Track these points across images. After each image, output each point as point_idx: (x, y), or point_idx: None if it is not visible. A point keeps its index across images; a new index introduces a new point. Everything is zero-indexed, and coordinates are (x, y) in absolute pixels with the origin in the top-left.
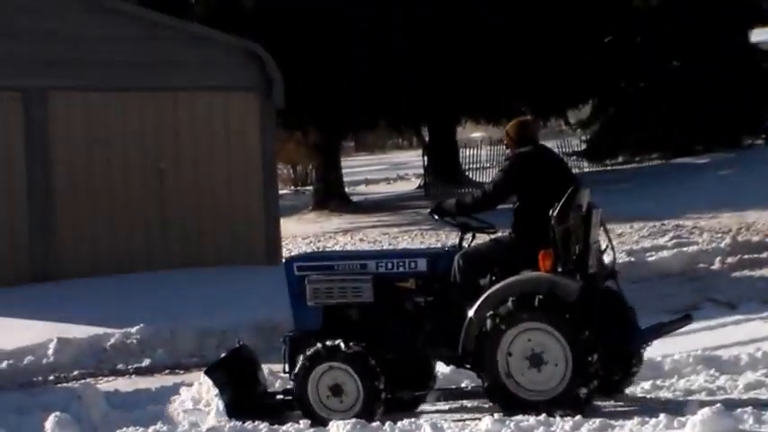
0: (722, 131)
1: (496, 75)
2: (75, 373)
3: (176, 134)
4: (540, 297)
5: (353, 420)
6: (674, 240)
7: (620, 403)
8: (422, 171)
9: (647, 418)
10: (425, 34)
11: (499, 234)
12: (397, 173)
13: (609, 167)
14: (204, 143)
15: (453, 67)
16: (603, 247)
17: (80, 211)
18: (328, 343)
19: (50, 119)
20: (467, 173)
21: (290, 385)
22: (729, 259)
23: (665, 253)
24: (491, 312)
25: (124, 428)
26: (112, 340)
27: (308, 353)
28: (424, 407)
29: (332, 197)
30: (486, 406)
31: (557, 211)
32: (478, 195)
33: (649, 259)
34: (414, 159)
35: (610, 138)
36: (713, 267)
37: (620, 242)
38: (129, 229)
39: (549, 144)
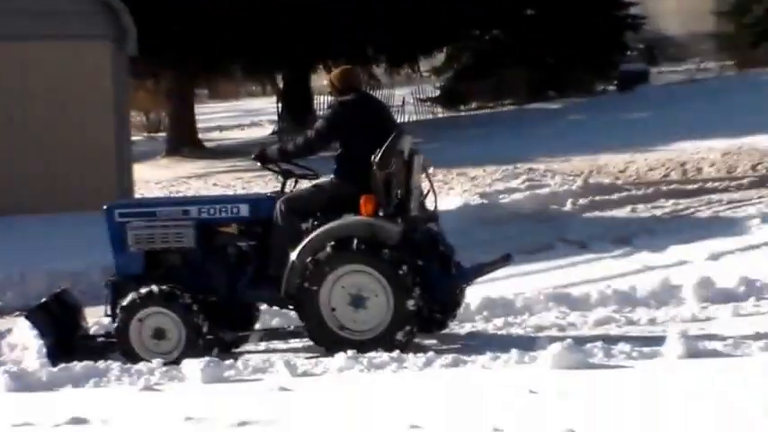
0: (575, 78)
1: (350, 21)
2: None
3: (27, 83)
4: (361, 240)
5: (207, 359)
6: (527, 183)
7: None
8: (275, 118)
9: (498, 354)
10: None
11: (321, 179)
12: (251, 119)
13: (463, 113)
14: (56, 92)
15: (307, 11)
16: (425, 191)
17: None
18: (150, 288)
19: None
20: (320, 116)
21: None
22: (581, 201)
23: (518, 195)
24: (313, 256)
25: None
26: None
27: (130, 298)
28: (276, 344)
29: (185, 143)
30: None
31: (378, 157)
32: (300, 142)
33: (502, 201)
34: (268, 107)
35: (463, 84)
36: (565, 209)
37: (474, 185)
38: None
39: (404, 91)
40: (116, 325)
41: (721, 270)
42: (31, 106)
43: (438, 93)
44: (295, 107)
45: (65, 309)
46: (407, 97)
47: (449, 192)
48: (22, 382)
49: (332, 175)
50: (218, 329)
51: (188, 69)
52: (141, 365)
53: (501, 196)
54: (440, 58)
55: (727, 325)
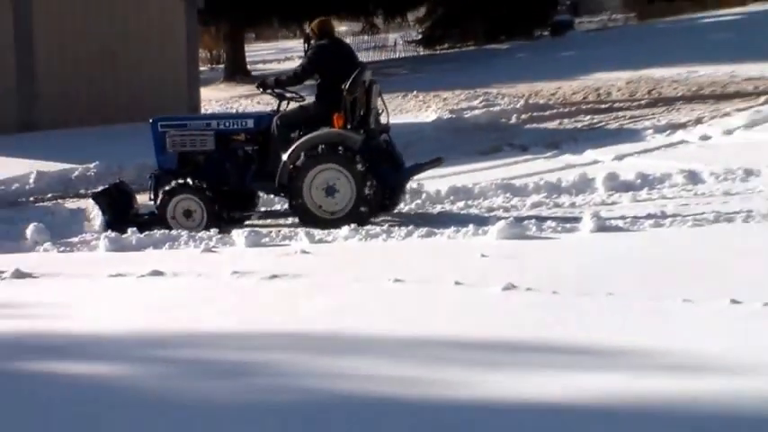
0: (520, 26)
1: None
2: (49, 195)
3: (127, 29)
4: (333, 146)
5: (248, 229)
6: (484, 102)
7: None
8: (303, 54)
9: (460, 228)
10: None
11: (305, 102)
12: (285, 55)
13: (438, 52)
14: (146, 36)
15: None
16: (381, 110)
17: (61, 76)
18: (181, 180)
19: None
20: None
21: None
22: (523, 116)
23: (477, 111)
24: (299, 157)
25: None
26: (77, 173)
27: (167, 187)
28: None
29: (237, 72)
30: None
31: (347, 86)
32: (291, 75)
33: (466, 116)
34: (297, 46)
35: (439, 30)
36: (511, 122)
37: (445, 104)
38: (92, 92)
39: (395, 35)
40: (157, 206)
41: (624, 167)
42: (128, 46)
43: (420, 36)
44: None
45: (121, 194)
46: (398, 40)
47: (426, 109)
48: (118, 245)
49: (313, 99)
50: (230, 210)
51: (239, 19)
52: (203, 233)
53: (465, 112)
54: (422, 10)
55: (627, 208)
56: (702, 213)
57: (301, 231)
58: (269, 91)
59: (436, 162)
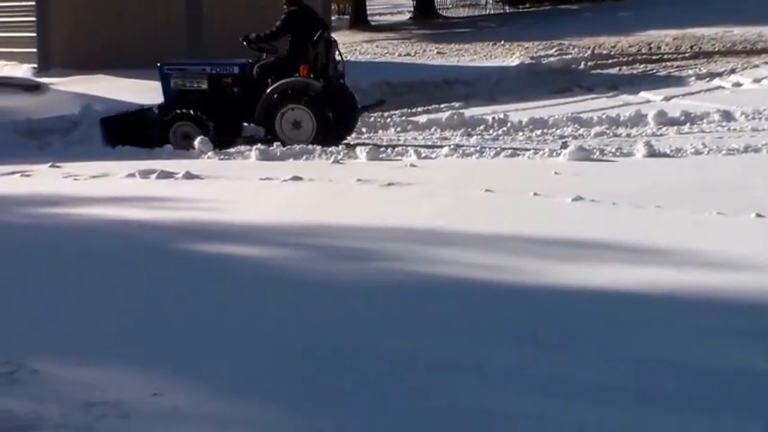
0: None
1: None
2: None
3: None
4: (299, 90)
5: (369, 146)
6: (558, 51)
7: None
8: (411, 9)
9: (538, 150)
10: None
11: (280, 54)
12: (398, 10)
13: (521, 10)
14: None
15: None
16: (339, 61)
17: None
18: (181, 111)
19: None
20: (438, 10)
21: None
22: (589, 63)
23: (552, 59)
24: (273, 97)
25: None
26: None
27: (171, 116)
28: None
29: (359, 22)
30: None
31: (312, 43)
32: (269, 32)
33: (543, 62)
34: (407, 2)
35: None
36: (580, 67)
37: (527, 52)
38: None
39: None
40: (161, 131)
41: (670, 106)
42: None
43: None
44: (423, 3)
45: (138, 118)
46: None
47: (511, 56)
48: (266, 155)
49: (286, 53)
50: (221, 134)
51: None
52: (332, 149)
53: (542, 59)
54: None
55: (672, 139)
56: (734, 145)
57: (411, 149)
58: (251, 44)
59: (380, 104)
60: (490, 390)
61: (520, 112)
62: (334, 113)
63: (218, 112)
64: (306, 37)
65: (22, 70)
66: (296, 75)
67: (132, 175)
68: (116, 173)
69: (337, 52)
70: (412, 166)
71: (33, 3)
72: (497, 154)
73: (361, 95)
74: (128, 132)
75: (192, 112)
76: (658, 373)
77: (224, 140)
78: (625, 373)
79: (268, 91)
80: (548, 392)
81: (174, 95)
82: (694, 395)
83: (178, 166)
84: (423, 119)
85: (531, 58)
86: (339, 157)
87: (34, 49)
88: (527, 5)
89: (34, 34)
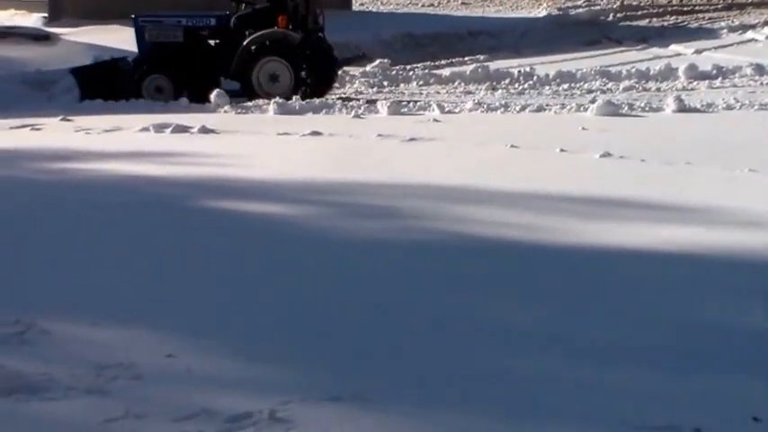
0: None
1: None
2: None
3: None
4: (277, 42)
5: (390, 100)
6: (586, 2)
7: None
8: None
9: (564, 105)
10: None
11: (258, 6)
12: None
13: None
14: None
15: None
16: (318, 13)
17: None
18: (154, 64)
19: None
20: None
21: None
22: (618, 15)
23: (579, 10)
24: (250, 50)
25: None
26: None
27: (144, 68)
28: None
29: None
30: None
31: None
32: None
33: (571, 13)
34: None
35: None
36: (608, 19)
37: (553, 2)
38: None
39: None
40: (133, 84)
41: (702, 60)
42: None
43: None
44: None
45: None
46: None
47: (538, 6)
48: (284, 109)
49: (265, 4)
50: (195, 88)
51: None
52: (353, 103)
53: (570, 10)
54: None
55: (703, 93)
56: (767, 100)
57: (434, 103)
58: None
59: (361, 57)
60: (511, 351)
61: (546, 65)
62: (313, 67)
63: (194, 66)
64: None
65: (33, 20)
66: (275, 27)
67: (146, 129)
68: (129, 127)
69: (317, 7)
70: (435, 120)
71: None
72: (523, 109)
73: (383, 47)
74: (100, 84)
75: (164, 65)
76: (686, 335)
77: (198, 94)
78: (652, 334)
79: (245, 43)
80: (570, 354)
81: (148, 48)
82: (723, 356)
83: (193, 119)
84: (446, 72)
85: (559, 8)
86: (359, 111)
87: None
88: None
89: None
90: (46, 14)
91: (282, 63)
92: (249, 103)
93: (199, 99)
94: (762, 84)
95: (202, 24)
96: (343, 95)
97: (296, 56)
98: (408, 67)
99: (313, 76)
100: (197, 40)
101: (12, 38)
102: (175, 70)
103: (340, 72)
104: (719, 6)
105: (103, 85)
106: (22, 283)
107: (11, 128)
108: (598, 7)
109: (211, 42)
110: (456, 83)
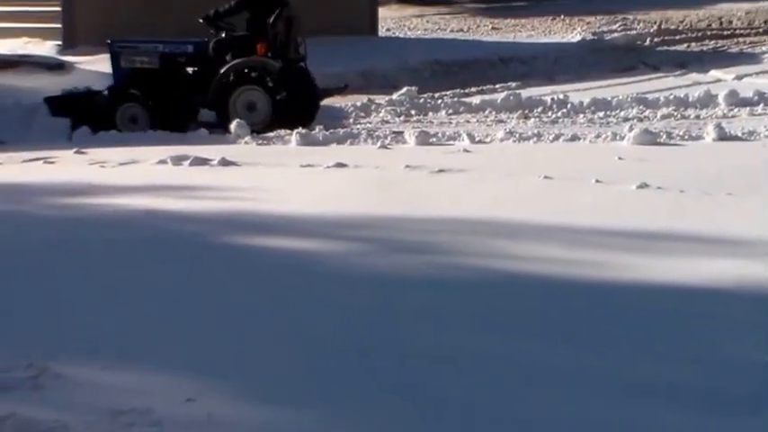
0: None
1: None
2: None
3: None
4: (255, 70)
5: (419, 130)
6: (622, 26)
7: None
8: None
9: (600, 134)
10: None
11: (237, 33)
12: None
13: None
14: None
15: None
16: (300, 42)
17: None
18: (130, 91)
19: None
20: None
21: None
22: (656, 39)
23: (615, 34)
24: (227, 78)
25: None
26: None
27: (119, 95)
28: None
29: None
30: None
31: (271, 20)
32: (227, 8)
33: (606, 38)
34: None
35: None
36: (645, 44)
37: (588, 27)
38: None
39: None
40: (106, 109)
41: (743, 86)
42: None
43: None
44: None
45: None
46: None
47: (572, 31)
48: (307, 140)
49: (244, 31)
50: (170, 119)
51: None
52: (379, 132)
53: (605, 35)
54: None
55: (745, 120)
56: None
57: (464, 133)
58: (210, 24)
59: (343, 89)
60: (548, 394)
61: (581, 92)
62: (294, 97)
63: (171, 94)
64: (264, 13)
65: (46, 48)
66: (253, 54)
67: (163, 161)
68: (146, 159)
69: (299, 34)
70: (464, 151)
71: None
72: (556, 138)
73: (410, 74)
74: (74, 114)
75: (139, 92)
76: (730, 375)
77: (175, 124)
78: (694, 375)
79: (222, 71)
80: (611, 396)
81: (123, 75)
82: (762, 396)
83: (213, 151)
84: (476, 100)
85: (593, 33)
86: (386, 141)
87: (59, 25)
88: None
89: (59, 8)
90: (60, 42)
91: (260, 92)
92: (270, 134)
93: (175, 128)
94: None
95: (179, 51)
96: (369, 124)
97: (274, 85)
98: (437, 95)
99: (292, 107)
100: (174, 66)
101: (25, 66)
102: (151, 98)
103: (370, 103)
104: (761, 30)
105: (77, 115)
106: (33, 324)
107: (23, 161)
108: (634, 32)
109: (189, 70)
110: (486, 111)
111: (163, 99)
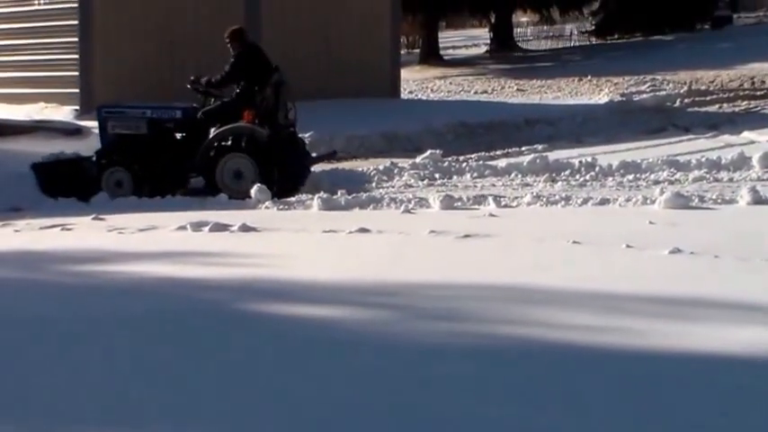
0: (682, 18)
1: None
2: None
3: (339, 18)
4: (242, 138)
5: (443, 194)
6: (651, 87)
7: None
8: (488, 41)
9: (630, 197)
10: None
11: (225, 99)
12: (473, 42)
13: (608, 41)
14: (357, 23)
15: None
16: (290, 108)
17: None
18: (116, 157)
19: None
20: (518, 42)
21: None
22: (686, 100)
23: (644, 95)
24: (214, 145)
25: None
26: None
27: (105, 161)
28: None
29: (431, 56)
30: None
31: (259, 87)
32: (218, 78)
33: (635, 99)
34: (483, 34)
35: (610, 22)
36: (675, 105)
37: (616, 88)
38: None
39: (570, 26)
40: (96, 174)
41: None
42: (340, 31)
43: (593, 27)
44: (501, 35)
45: (65, 166)
46: (573, 30)
47: (599, 92)
48: (329, 204)
49: (233, 97)
50: (157, 185)
51: (434, 9)
52: (402, 196)
53: (633, 96)
54: (595, 4)
55: None
56: None
57: (490, 197)
58: (198, 89)
59: (332, 155)
60: None
61: (609, 154)
62: (283, 164)
63: (158, 159)
64: (255, 80)
65: (64, 113)
66: (241, 121)
67: (183, 227)
68: (165, 225)
69: (289, 99)
70: (490, 215)
71: (76, 39)
72: (585, 202)
73: (434, 137)
74: (62, 181)
75: (125, 158)
76: None
77: (161, 189)
78: None
79: (210, 138)
80: None
81: (111, 141)
82: None
83: (233, 217)
84: (502, 163)
85: (621, 94)
86: (410, 206)
87: (76, 90)
88: (615, 36)
89: (76, 73)
90: (77, 107)
91: (247, 159)
92: (292, 199)
93: (163, 194)
94: None
95: (168, 116)
96: (392, 188)
97: (262, 152)
98: (461, 158)
99: (281, 174)
100: (162, 132)
101: (42, 132)
102: (137, 164)
103: (393, 167)
104: None
105: (65, 181)
106: (37, 409)
107: (41, 228)
108: (664, 93)
109: (177, 135)
110: (513, 174)
111: (150, 164)
